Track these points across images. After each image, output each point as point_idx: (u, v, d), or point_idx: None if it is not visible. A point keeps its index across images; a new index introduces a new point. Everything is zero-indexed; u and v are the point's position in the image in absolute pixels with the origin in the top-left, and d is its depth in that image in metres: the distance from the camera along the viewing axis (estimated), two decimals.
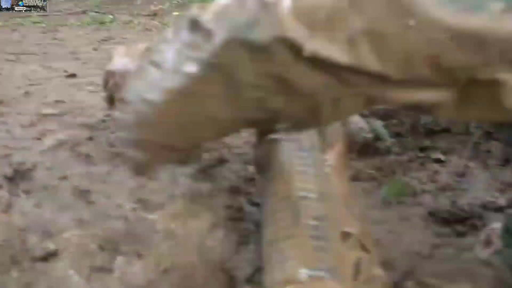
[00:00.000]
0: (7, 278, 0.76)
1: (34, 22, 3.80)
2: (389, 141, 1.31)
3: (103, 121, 1.40)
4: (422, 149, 1.30)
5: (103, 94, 1.68)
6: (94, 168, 1.09)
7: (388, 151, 1.27)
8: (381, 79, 0.58)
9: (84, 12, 4.49)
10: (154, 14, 4.39)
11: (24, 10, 3.98)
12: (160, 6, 4.60)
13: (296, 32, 0.58)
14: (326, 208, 0.66)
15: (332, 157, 0.79)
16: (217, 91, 0.66)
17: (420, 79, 0.57)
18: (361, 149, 1.24)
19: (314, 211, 0.65)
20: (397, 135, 1.35)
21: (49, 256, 0.81)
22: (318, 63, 0.59)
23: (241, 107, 0.68)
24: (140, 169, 0.84)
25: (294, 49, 0.59)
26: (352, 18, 0.57)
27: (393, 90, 0.60)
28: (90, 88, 1.78)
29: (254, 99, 0.66)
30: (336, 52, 0.57)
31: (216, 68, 0.65)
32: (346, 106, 0.65)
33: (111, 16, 4.10)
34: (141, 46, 1.02)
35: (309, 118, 0.69)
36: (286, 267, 0.60)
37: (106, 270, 0.79)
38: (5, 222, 0.88)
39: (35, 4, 4.13)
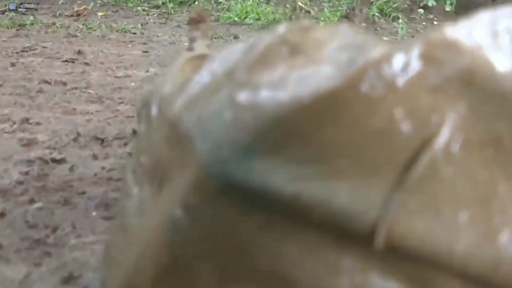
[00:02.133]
0: None
1: None
2: None
3: (21, 182, 1.08)
4: None
5: (21, 135, 1.38)
6: (5, 269, 0.80)
7: None
8: None
9: (3, 12, 4.08)
10: (78, 15, 4.09)
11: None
12: (84, 6, 4.29)
13: None
14: None
15: None
16: None
17: None
18: None
19: None
20: None
21: None
22: None
23: None
24: None
25: None
26: None
27: None
28: (4, 126, 1.42)
29: None
30: None
31: None
32: None
33: (32, 18, 3.73)
34: None
35: None
36: None
37: None
38: None
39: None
